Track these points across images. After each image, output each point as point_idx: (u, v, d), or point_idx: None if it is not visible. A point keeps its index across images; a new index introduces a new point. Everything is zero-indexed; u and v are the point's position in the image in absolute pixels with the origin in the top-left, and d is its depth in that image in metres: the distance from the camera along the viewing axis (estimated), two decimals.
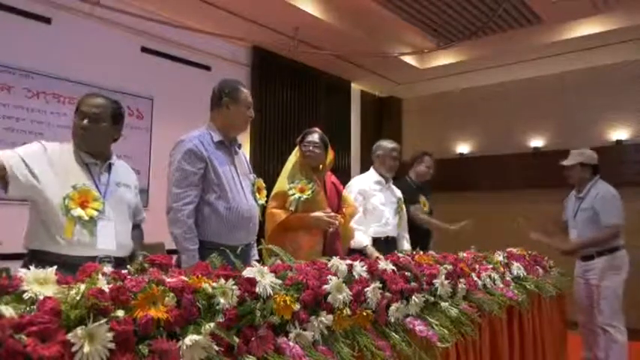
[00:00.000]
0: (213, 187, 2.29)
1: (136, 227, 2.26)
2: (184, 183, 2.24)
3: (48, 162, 1.92)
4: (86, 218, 1.88)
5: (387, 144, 3.51)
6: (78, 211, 1.87)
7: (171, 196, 2.25)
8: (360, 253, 2.62)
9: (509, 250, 3.14)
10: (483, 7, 4.91)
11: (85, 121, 1.98)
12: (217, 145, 2.35)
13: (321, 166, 2.93)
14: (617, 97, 5.72)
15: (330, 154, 2.93)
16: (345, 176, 6.08)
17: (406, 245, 3.41)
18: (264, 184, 2.57)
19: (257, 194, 2.49)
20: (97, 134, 2.01)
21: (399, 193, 3.52)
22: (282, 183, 2.81)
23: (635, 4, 4.72)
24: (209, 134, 2.36)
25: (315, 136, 2.89)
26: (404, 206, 3.52)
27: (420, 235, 3.69)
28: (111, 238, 1.97)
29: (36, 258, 1.83)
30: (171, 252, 2.32)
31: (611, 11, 4.89)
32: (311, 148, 2.85)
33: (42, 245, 1.89)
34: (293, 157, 2.90)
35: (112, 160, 2.12)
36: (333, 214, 2.77)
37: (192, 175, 2.25)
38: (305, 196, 2.73)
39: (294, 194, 2.74)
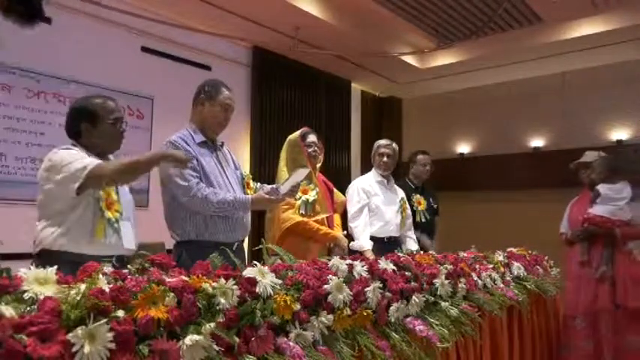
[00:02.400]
0: (200, 178, 2.24)
1: None
2: (185, 172, 2.17)
3: None
4: (114, 220, 1.93)
5: (378, 142, 3.48)
6: (108, 213, 1.91)
7: (181, 190, 2.17)
8: (360, 254, 2.63)
9: (509, 250, 3.13)
10: (483, 7, 4.90)
11: (125, 126, 2.07)
12: (200, 145, 2.31)
13: (318, 165, 2.95)
14: (617, 97, 5.71)
15: None
16: (345, 176, 6.08)
17: (414, 245, 3.33)
18: (251, 177, 2.53)
19: (246, 189, 2.45)
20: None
21: (401, 193, 3.50)
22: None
23: (635, 4, 4.72)
24: (190, 135, 2.31)
25: (315, 136, 2.90)
26: (407, 206, 3.51)
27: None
28: (132, 237, 2.02)
29: (54, 258, 1.76)
30: (170, 252, 2.34)
31: (611, 11, 4.88)
32: (315, 148, 2.86)
33: (68, 247, 1.86)
34: (284, 154, 2.90)
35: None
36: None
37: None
38: (312, 198, 2.75)
39: (300, 197, 2.74)
